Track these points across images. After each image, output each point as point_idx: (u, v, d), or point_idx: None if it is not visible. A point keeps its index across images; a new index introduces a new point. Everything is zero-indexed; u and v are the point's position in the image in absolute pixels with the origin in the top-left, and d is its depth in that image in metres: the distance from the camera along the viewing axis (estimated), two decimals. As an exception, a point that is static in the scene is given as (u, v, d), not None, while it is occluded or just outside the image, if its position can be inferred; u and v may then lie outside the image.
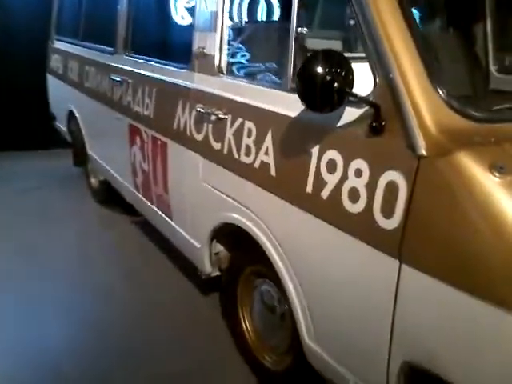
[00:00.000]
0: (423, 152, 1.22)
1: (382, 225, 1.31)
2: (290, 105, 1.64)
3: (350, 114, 1.41)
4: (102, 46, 3.38)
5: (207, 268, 2.34)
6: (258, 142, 1.78)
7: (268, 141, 1.73)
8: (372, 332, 1.42)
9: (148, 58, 2.75)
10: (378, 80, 1.34)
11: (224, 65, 2.04)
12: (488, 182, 1.13)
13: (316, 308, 1.64)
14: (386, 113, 1.31)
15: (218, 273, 2.39)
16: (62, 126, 4.59)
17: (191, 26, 2.30)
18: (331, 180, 1.47)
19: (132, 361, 2.32)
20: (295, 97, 1.62)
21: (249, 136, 1.83)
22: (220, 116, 1.99)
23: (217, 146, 2.03)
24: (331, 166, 1.47)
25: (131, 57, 2.94)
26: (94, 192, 4.25)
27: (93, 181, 4.27)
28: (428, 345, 1.25)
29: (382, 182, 1.31)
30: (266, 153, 1.74)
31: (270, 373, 2.11)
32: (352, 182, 1.40)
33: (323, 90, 1.29)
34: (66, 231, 3.67)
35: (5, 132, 5.34)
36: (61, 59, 4.32)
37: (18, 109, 5.42)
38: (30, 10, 5.25)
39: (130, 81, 2.87)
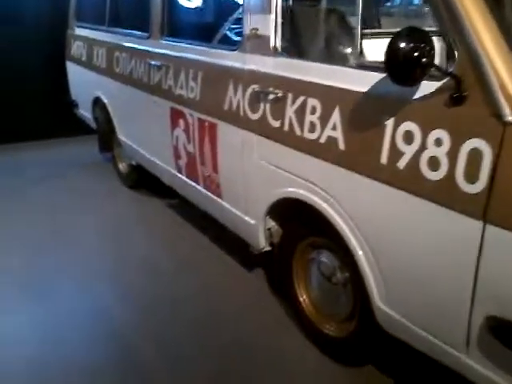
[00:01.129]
0: (509, 119, 1.30)
1: (466, 189, 1.40)
2: (357, 80, 1.72)
3: (428, 86, 1.48)
4: (135, 31, 3.42)
5: (261, 243, 2.43)
6: (324, 118, 1.86)
7: (335, 116, 1.80)
8: (452, 291, 1.52)
9: (189, 42, 2.81)
10: (458, 53, 1.41)
11: (280, 45, 2.10)
12: None
13: (391, 273, 1.74)
14: (467, 84, 1.39)
15: (269, 248, 2.49)
16: (85, 113, 4.64)
17: (238, 7, 2.36)
18: (408, 150, 1.55)
19: (200, 330, 2.45)
20: (362, 72, 1.71)
21: (313, 113, 1.91)
22: (279, 95, 2.06)
23: (275, 124, 2.11)
24: (408, 137, 1.55)
25: (169, 41, 2.99)
26: (123, 177, 4.32)
27: (121, 166, 4.35)
28: (513, 298, 1.36)
29: (465, 149, 1.39)
30: (334, 128, 1.81)
31: (332, 340, 2.22)
32: (432, 151, 1.48)
33: (410, 64, 1.37)
34: (101, 216, 3.76)
35: (23, 122, 5.40)
36: (84, 46, 4.35)
37: (35, 97, 5.47)
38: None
39: (169, 65, 2.93)
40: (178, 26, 3.09)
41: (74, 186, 4.33)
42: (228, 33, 2.61)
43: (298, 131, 1.99)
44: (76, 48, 4.57)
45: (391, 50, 1.37)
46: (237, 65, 2.33)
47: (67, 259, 3.12)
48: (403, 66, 1.38)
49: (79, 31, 4.55)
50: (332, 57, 2.11)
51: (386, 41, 1.42)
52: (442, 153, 1.46)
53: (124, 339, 2.40)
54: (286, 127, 2.05)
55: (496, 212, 1.34)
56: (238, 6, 2.58)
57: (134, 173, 4.07)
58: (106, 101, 4.04)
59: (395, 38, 1.37)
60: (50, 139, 5.43)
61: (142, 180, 4.07)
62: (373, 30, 2.50)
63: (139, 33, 3.34)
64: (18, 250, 3.22)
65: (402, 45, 1.36)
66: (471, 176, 1.39)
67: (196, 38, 2.82)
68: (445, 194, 1.46)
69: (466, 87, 1.39)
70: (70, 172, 4.66)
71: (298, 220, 2.25)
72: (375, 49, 1.88)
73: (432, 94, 1.48)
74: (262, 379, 2.17)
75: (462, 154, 1.40)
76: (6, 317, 2.56)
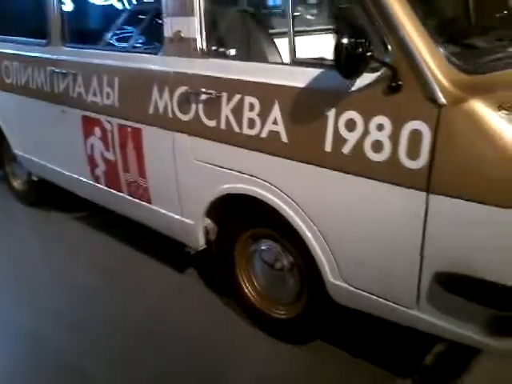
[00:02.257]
0: (443, 101, 1.52)
1: (409, 166, 1.60)
2: (294, 76, 1.86)
3: (365, 78, 1.66)
4: (27, 38, 3.23)
5: (201, 242, 2.48)
6: (264, 114, 1.96)
7: (275, 112, 1.92)
8: (402, 257, 1.73)
9: (98, 47, 2.74)
10: (390, 47, 1.61)
11: (207, 46, 2.17)
12: (497, 118, 1.47)
13: (341, 250, 1.91)
14: (402, 74, 1.59)
15: (205, 246, 2.54)
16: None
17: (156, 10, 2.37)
18: (352, 136, 1.72)
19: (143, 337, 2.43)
20: (299, 69, 1.86)
21: (251, 110, 2.01)
22: (212, 95, 2.13)
23: (210, 123, 2.17)
24: (350, 125, 1.72)
25: (73, 47, 2.89)
26: (20, 195, 4.04)
27: (17, 183, 4.06)
28: (459, 253, 1.59)
29: (406, 131, 1.59)
30: (275, 123, 1.93)
31: (281, 322, 2.34)
32: (375, 135, 1.67)
33: (356, 58, 1.53)
34: (4, 240, 3.49)
35: None
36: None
37: None
38: None
39: (76, 72, 2.83)
40: (81, 32, 2.99)
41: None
42: (145, 36, 2.60)
43: (236, 128, 2.08)
44: None
45: (338, 48, 1.52)
46: (160, 68, 2.34)
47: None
48: (350, 61, 1.54)
49: None
50: (263, 55, 2.23)
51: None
52: (384, 136, 1.65)
53: (63, 359, 2.31)
54: (223, 125, 2.12)
55: (437, 183, 1.56)
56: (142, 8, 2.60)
57: (34, 189, 3.83)
58: (-6, 114, 3.74)
59: (339, 36, 1.53)
60: None
61: (44, 195, 3.85)
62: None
63: (34, 40, 3.16)
64: None
65: (348, 42, 1.52)
66: (413, 154, 1.59)
67: (103, 43, 2.77)
68: (390, 172, 1.66)
69: (401, 76, 1.59)
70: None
71: (238, 214, 2.34)
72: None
73: (370, 84, 1.66)
74: (218, 376, 2.22)
75: (404, 135, 1.60)
76: None
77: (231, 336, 2.44)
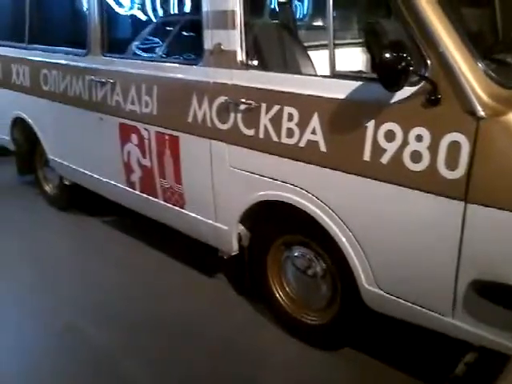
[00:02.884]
0: (482, 114, 1.58)
1: (447, 176, 1.66)
2: (333, 89, 1.93)
3: (405, 91, 1.72)
4: (68, 48, 3.36)
5: (234, 247, 2.55)
6: (303, 124, 2.04)
7: (314, 122, 2.00)
8: (439, 265, 1.78)
9: (136, 57, 2.85)
10: (429, 61, 1.67)
11: (247, 58, 2.25)
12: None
13: (377, 256, 1.96)
14: (441, 87, 1.65)
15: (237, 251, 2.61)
16: (0, 135, 4.39)
17: (196, 24, 2.47)
18: (391, 147, 1.79)
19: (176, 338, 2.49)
20: (339, 81, 1.93)
21: (290, 120, 2.08)
22: (251, 105, 2.21)
23: (249, 132, 2.25)
24: (390, 136, 1.78)
25: (112, 57, 3.00)
26: (51, 199, 4.15)
27: (48, 188, 4.18)
28: (495, 261, 1.64)
29: (444, 142, 1.65)
30: (314, 132, 2.00)
31: (312, 328, 2.39)
32: (413, 146, 1.73)
33: (399, 72, 1.60)
34: (33, 243, 3.59)
35: None
36: (-1, 64, 4.13)
37: None
38: None
39: (115, 81, 2.93)
40: (120, 42, 3.10)
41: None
42: (187, 48, 2.68)
43: (274, 137, 2.15)
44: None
45: (383, 62, 1.60)
46: (200, 78, 2.43)
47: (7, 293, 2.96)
48: (393, 75, 1.61)
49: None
50: (300, 67, 2.31)
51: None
52: (423, 147, 1.71)
53: (108, 358, 2.38)
54: (261, 135, 2.20)
55: (475, 192, 1.62)
56: (182, 21, 2.69)
57: (65, 193, 3.95)
58: (30, 121, 3.87)
59: (383, 51, 1.60)
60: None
61: (74, 199, 3.96)
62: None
63: (74, 49, 3.29)
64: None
65: (391, 56, 1.59)
66: (452, 164, 1.65)
67: (141, 53, 2.87)
68: (428, 182, 1.72)
69: (441, 90, 1.65)
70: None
71: (272, 221, 2.41)
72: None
73: (409, 97, 1.73)
74: (248, 378, 2.26)
75: (442, 146, 1.66)
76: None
77: (261, 339, 2.50)
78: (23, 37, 3.79)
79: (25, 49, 3.78)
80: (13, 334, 2.58)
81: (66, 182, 3.82)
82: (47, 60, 3.54)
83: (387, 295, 1.97)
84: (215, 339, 2.49)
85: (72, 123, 3.44)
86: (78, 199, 3.93)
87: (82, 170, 3.48)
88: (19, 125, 4.04)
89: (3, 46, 4.08)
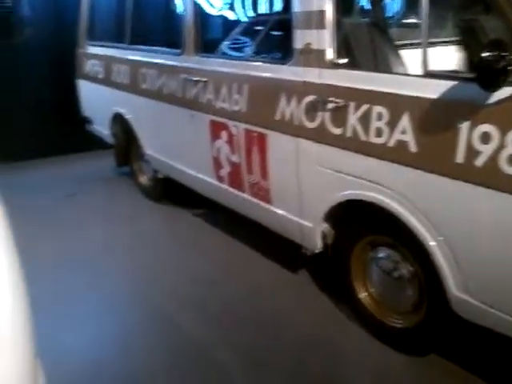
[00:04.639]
0: None
1: (550, 181, 1.57)
2: (426, 88, 1.88)
3: (503, 92, 1.64)
4: (164, 48, 3.53)
5: (318, 245, 2.56)
6: (392, 124, 2.00)
7: (404, 121, 1.96)
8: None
9: (229, 57, 2.93)
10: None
11: (337, 57, 2.25)
12: None
13: (468, 262, 1.89)
14: (546, 87, 1.56)
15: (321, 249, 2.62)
16: (101, 129, 4.72)
17: (285, 23, 2.50)
18: (486, 149, 1.71)
19: (260, 332, 2.54)
20: (432, 81, 1.87)
21: (379, 119, 2.06)
22: (339, 104, 2.20)
23: (336, 131, 2.25)
24: (485, 137, 1.71)
25: (205, 56, 3.12)
26: (145, 190, 4.40)
27: (143, 180, 4.43)
28: None
29: (547, 146, 1.56)
30: (404, 132, 1.96)
31: (396, 331, 2.36)
32: (511, 149, 1.64)
33: (499, 72, 1.53)
34: (130, 230, 3.80)
35: (34, 139, 5.40)
36: (101, 64, 4.43)
37: (44, 115, 5.50)
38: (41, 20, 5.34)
39: (207, 79, 3.05)
40: (213, 42, 3.21)
41: (97, 202, 4.39)
42: (277, 47, 2.73)
43: (363, 137, 2.13)
44: (90, 66, 4.64)
45: (481, 62, 1.53)
46: (289, 77, 2.47)
47: (104, 277, 3.17)
48: (492, 75, 1.54)
49: (92, 49, 4.62)
50: (391, 66, 2.27)
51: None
52: (523, 150, 1.62)
53: (196, 345, 2.49)
54: (349, 133, 2.19)
55: None
56: (271, 21, 2.73)
57: (159, 186, 4.16)
58: (128, 116, 4.12)
59: (482, 50, 1.54)
60: (58, 156, 5.44)
61: (167, 192, 4.16)
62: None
63: (169, 49, 3.45)
64: (52, 268, 3.22)
65: (490, 56, 1.52)
66: (555, 170, 1.55)
67: (233, 53, 2.95)
68: (527, 187, 1.63)
69: (545, 90, 1.56)
70: (90, 187, 4.70)
71: (358, 221, 2.39)
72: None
73: (509, 97, 1.64)
74: (327, 376, 2.27)
75: (545, 150, 1.57)
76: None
77: (342, 338, 2.49)
78: (124, 38, 4.04)
79: (126, 49, 4.03)
80: (109, 316, 2.78)
81: (160, 175, 4.03)
82: (145, 60, 3.74)
83: (478, 303, 1.89)
84: (302, 336, 2.51)
85: (166, 119, 3.62)
86: (171, 192, 4.13)
87: (174, 164, 3.66)
88: (118, 120, 4.31)
89: (106, 46, 4.37)
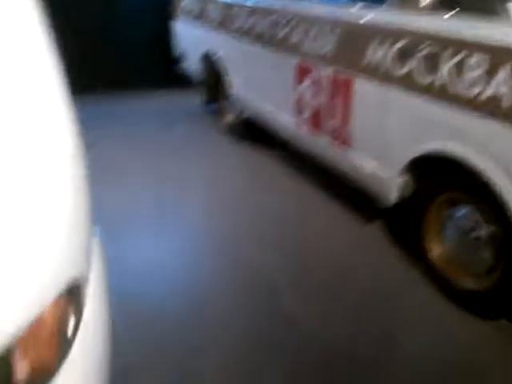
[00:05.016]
0: None
1: None
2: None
3: None
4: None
5: (393, 197, 2.50)
6: (488, 75, 1.86)
7: (503, 74, 1.81)
8: None
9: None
10: None
11: (432, 3, 2.10)
12: None
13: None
14: None
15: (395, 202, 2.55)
16: (191, 68, 4.81)
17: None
18: None
19: (331, 280, 2.56)
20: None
21: (474, 69, 1.92)
22: (433, 51, 2.07)
23: (426, 79, 2.13)
24: None
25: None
26: (229, 129, 4.48)
27: (228, 118, 4.50)
28: None
29: None
30: (500, 85, 1.82)
31: (466, 292, 2.28)
32: None
33: None
34: (209, 164, 3.92)
35: (126, 71, 5.63)
36: (197, 4, 4.46)
37: (137, 51, 5.68)
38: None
39: (296, 21, 2.97)
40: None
41: (180, 136, 4.52)
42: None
43: (453, 87, 2.01)
44: (186, 6, 4.69)
45: None
46: (382, 21, 2.35)
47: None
48: None
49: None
50: (497, 14, 2.08)
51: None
52: None
53: (267, 285, 2.54)
54: (440, 82, 2.07)
55: None
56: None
57: (242, 125, 4.22)
58: (218, 56, 4.15)
59: None
60: (151, 90, 5.64)
61: (250, 131, 4.21)
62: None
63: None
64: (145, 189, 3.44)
65: None
66: None
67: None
68: None
69: None
70: (177, 122, 4.86)
71: (439, 176, 2.30)
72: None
73: None
74: (390, 334, 2.22)
75: None
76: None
77: (409, 294, 2.45)
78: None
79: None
80: (181, 241, 2.92)
81: (244, 115, 4.07)
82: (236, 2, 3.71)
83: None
84: (365, 285, 2.50)
85: (254, 60, 3.61)
86: (253, 132, 4.17)
87: (258, 105, 3.67)
88: (208, 59, 4.37)
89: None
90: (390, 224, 2.95)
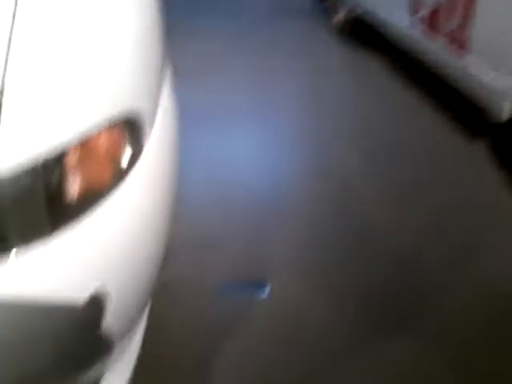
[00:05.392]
0: None
1: None
2: None
3: None
4: None
5: (505, 114, 2.21)
6: None
7: None
8: None
9: None
10: None
11: None
12: None
13: None
14: None
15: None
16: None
17: None
18: None
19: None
20: None
21: None
22: None
23: None
24: None
25: None
26: (336, 28, 4.19)
27: (337, 17, 4.19)
28: None
29: None
30: None
31: None
32: None
33: None
34: (313, 63, 3.72)
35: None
36: None
37: None
38: None
39: None
40: None
41: (286, 34, 4.27)
42: None
43: None
44: None
45: None
46: None
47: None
48: None
49: None
50: None
51: None
52: None
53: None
54: None
55: None
56: None
57: (350, 25, 3.93)
58: None
59: None
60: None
61: (357, 31, 3.93)
62: None
63: None
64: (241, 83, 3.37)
65: None
66: None
67: None
68: None
69: None
70: (283, 19, 4.60)
71: None
72: None
73: None
74: (483, 234, 2.12)
75: None
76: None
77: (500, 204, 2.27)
78: None
79: None
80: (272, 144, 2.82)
81: (353, 15, 3.77)
82: None
83: None
84: (453, 204, 2.31)
85: None
86: (363, 32, 3.88)
87: (369, 5, 3.36)
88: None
89: None
90: (497, 144, 2.65)
